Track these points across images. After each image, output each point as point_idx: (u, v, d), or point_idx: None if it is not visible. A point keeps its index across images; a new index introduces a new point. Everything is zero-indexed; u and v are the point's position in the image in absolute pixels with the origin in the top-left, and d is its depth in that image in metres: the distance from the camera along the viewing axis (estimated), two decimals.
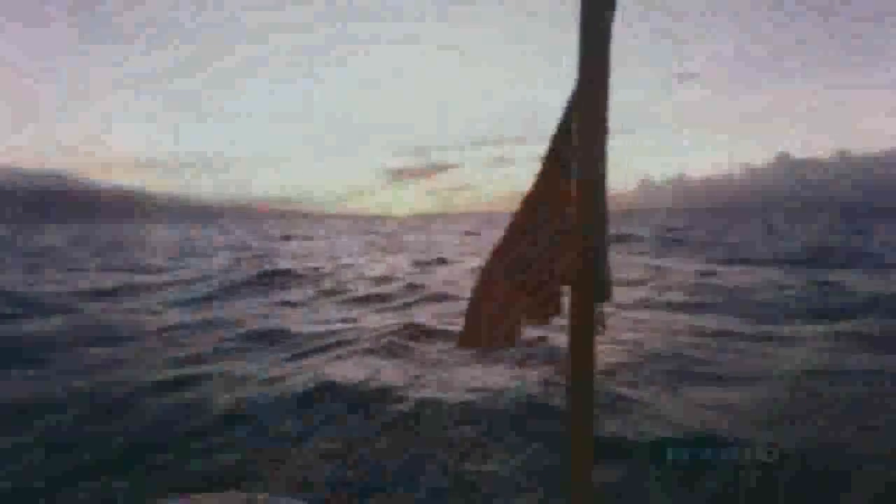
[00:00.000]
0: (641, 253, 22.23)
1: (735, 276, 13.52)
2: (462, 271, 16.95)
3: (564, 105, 1.22)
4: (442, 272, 17.00)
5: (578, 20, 1.07)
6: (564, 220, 1.18)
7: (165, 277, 16.39)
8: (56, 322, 8.94)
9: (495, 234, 1.34)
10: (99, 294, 12.65)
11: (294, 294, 12.77)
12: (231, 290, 13.30)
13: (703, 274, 14.39)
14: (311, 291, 13.20)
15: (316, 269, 18.72)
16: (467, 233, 52.35)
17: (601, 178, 1.12)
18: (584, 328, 1.14)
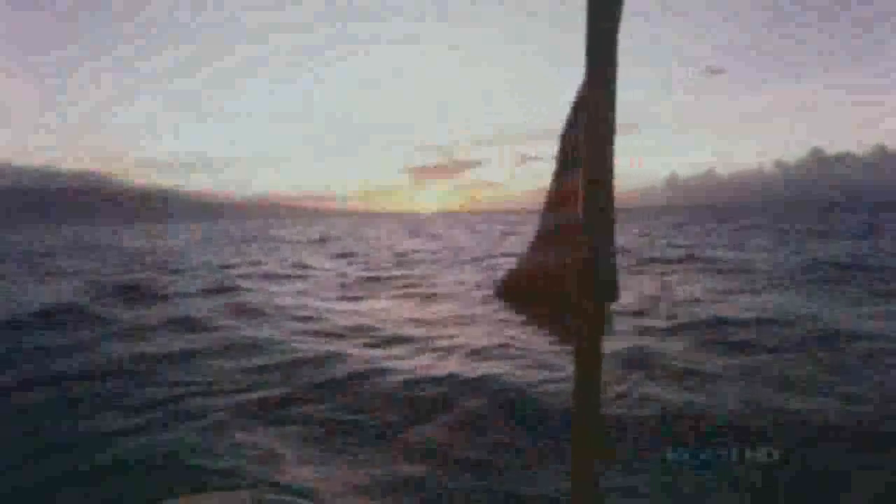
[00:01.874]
0: None
1: None
2: None
3: (572, 103, 1.22)
4: None
5: (585, 16, 1.06)
6: (573, 222, 1.16)
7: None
8: None
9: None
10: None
11: None
12: None
13: None
14: None
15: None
16: (504, 233, 46.38)
17: (607, 178, 1.11)
18: (590, 329, 1.14)
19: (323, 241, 40.95)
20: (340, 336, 8.22)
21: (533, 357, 6.45)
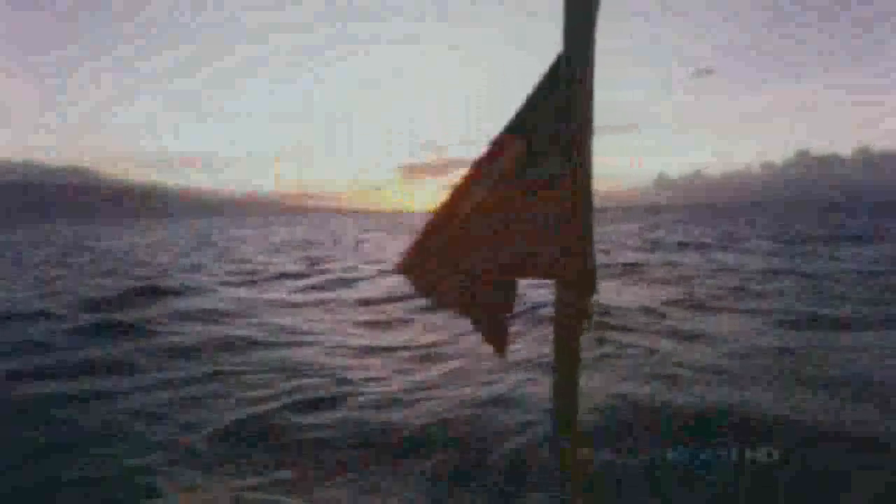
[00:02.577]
0: None
1: None
2: None
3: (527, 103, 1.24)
4: None
5: (563, 23, 1.08)
6: (554, 217, 1.17)
7: None
8: None
9: None
10: None
11: None
12: None
13: None
14: None
15: None
16: None
17: (588, 177, 1.14)
18: (571, 326, 1.18)
19: (309, 243, 40.27)
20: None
21: None
